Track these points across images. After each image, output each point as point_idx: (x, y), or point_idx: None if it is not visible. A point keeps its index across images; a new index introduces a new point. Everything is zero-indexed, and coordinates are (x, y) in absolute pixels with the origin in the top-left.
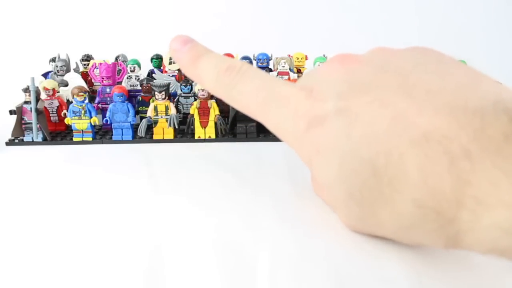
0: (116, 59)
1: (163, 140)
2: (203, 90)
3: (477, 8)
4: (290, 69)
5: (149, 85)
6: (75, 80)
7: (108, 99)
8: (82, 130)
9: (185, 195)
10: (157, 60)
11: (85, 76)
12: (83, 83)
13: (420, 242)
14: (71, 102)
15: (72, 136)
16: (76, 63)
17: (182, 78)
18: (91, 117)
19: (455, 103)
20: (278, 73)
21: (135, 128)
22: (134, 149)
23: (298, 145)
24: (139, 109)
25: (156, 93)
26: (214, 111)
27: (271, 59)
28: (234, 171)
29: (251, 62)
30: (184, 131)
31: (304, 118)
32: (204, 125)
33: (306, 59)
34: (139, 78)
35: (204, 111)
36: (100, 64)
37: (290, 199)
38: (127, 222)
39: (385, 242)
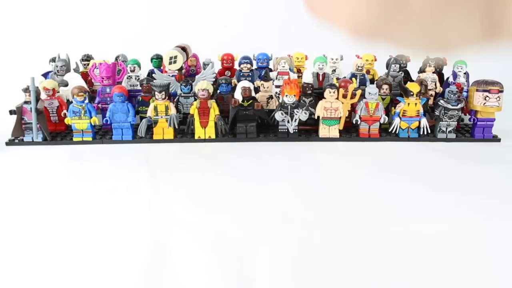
0: (116, 59)
1: (163, 140)
2: (203, 90)
3: None
4: (290, 69)
5: (149, 85)
6: (75, 80)
7: (108, 99)
8: (82, 130)
9: (185, 194)
10: (157, 60)
11: (85, 76)
12: (83, 83)
13: (452, 32)
14: (71, 102)
15: (72, 136)
16: (76, 63)
17: (182, 78)
18: (91, 117)
19: None
20: (278, 73)
21: (135, 128)
22: (134, 149)
23: None
24: (139, 109)
25: (156, 93)
26: (214, 111)
27: (271, 59)
28: (234, 171)
29: (251, 62)
30: (184, 131)
31: None
32: (204, 125)
33: (306, 59)
34: (139, 78)
35: (204, 111)
36: (100, 64)
37: (290, 199)
38: (127, 221)
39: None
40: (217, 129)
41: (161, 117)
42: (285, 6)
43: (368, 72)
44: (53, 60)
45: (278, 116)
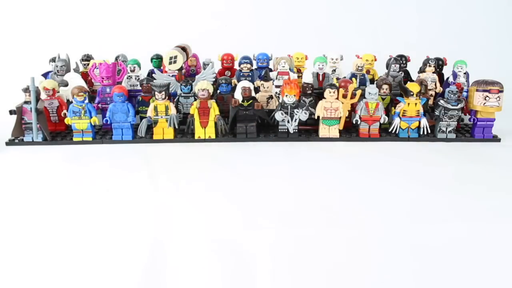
0: (116, 59)
1: (163, 140)
2: (203, 90)
3: (477, 8)
4: (290, 69)
5: (149, 85)
6: (75, 80)
7: (108, 99)
8: (82, 130)
9: (185, 194)
10: (157, 60)
11: (85, 76)
12: (83, 83)
13: None
14: (71, 102)
15: (72, 136)
16: (76, 63)
17: (182, 78)
18: (91, 117)
19: None
20: (278, 73)
21: (135, 128)
22: (134, 149)
23: None
24: (139, 109)
25: (156, 93)
26: (214, 111)
27: (271, 59)
28: (234, 171)
29: (251, 62)
30: (184, 131)
31: None
32: (204, 125)
33: (306, 59)
34: (139, 78)
35: (204, 111)
36: (100, 64)
37: (290, 198)
38: (127, 221)
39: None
40: (217, 129)
41: (161, 117)
42: (285, 6)
43: (368, 72)
44: (53, 60)
45: (278, 116)
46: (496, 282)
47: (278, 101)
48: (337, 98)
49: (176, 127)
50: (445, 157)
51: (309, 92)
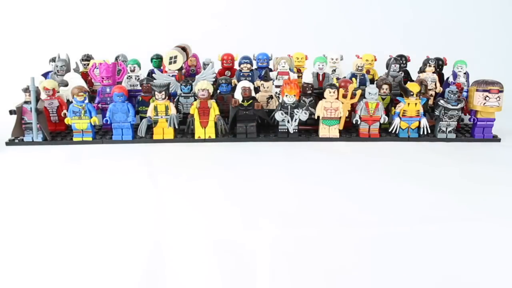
0: (116, 59)
1: (163, 140)
2: (203, 90)
3: (477, 8)
4: (290, 69)
5: (149, 85)
6: (75, 80)
7: (108, 99)
8: (82, 130)
9: (185, 195)
10: (157, 60)
11: (85, 76)
12: (83, 83)
13: None
14: (71, 102)
15: (72, 136)
16: (76, 63)
17: (182, 78)
18: (91, 117)
19: None
20: (278, 73)
21: (135, 128)
22: (134, 149)
23: None
24: (139, 109)
25: (156, 93)
26: (214, 111)
27: (271, 59)
28: (234, 171)
29: (251, 62)
30: (184, 131)
31: None
32: (204, 125)
33: (306, 59)
34: (139, 78)
35: (204, 111)
36: (100, 64)
37: (290, 199)
38: (127, 221)
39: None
40: (217, 129)
41: (161, 117)
42: (285, 6)
43: (368, 72)
44: (53, 60)
45: (278, 116)
46: (496, 281)
47: (278, 101)
48: (337, 98)
49: (176, 127)
50: (445, 157)
51: (309, 92)
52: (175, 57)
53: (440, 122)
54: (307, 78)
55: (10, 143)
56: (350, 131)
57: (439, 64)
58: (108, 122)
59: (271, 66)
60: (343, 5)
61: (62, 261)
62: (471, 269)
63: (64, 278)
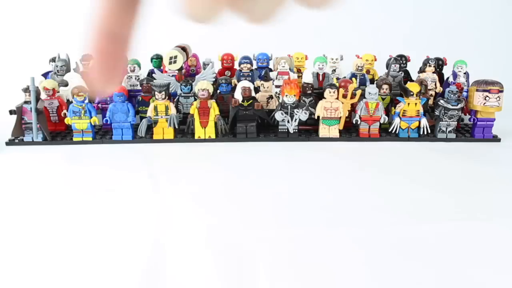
0: None
1: (163, 140)
2: (203, 90)
3: (477, 8)
4: (290, 69)
5: (149, 85)
6: (75, 80)
7: (108, 99)
8: (82, 130)
9: (185, 194)
10: (157, 60)
11: None
12: (83, 83)
13: None
14: (71, 102)
15: (72, 136)
16: (76, 63)
17: (182, 78)
18: (91, 117)
19: None
20: (278, 73)
21: (135, 128)
22: (134, 149)
23: None
24: (139, 109)
25: (156, 93)
26: (214, 111)
27: (271, 59)
28: (234, 171)
29: (251, 62)
30: (184, 131)
31: None
32: (204, 125)
33: (306, 59)
34: (139, 78)
35: (204, 111)
36: None
37: (290, 198)
38: (127, 221)
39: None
40: (217, 129)
41: (161, 117)
42: (285, 6)
43: (368, 72)
44: (53, 60)
45: (278, 116)
46: (496, 281)
47: (278, 101)
48: (337, 98)
49: (176, 127)
50: (445, 157)
51: (309, 92)
52: (175, 57)
53: (440, 122)
54: (307, 78)
55: (10, 143)
56: (350, 131)
57: (439, 64)
58: (108, 122)
59: (271, 66)
60: (343, 5)
61: (62, 261)
62: (471, 268)
63: (64, 278)
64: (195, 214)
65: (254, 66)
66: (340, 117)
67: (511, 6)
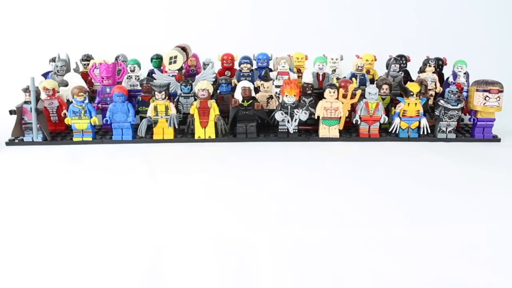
0: (116, 59)
1: (163, 140)
2: (203, 90)
3: (477, 8)
4: (290, 69)
5: (149, 85)
6: (75, 80)
7: (108, 99)
8: (82, 130)
9: (185, 195)
10: (157, 60)
11: (85, 76)
12: (83, 83)
13: None
14: (71, 102)
15: (72, 136)
16: (76, 63)
17: (182, 78)
18: (91, 117)
19: None
20: (278, 73)
21: (135, 128)
22: (134, 149)
23: None
24: (139, 109)
25: (156, 93)
26: (214, 111)
27: (271, 59)
28: (234, 171)
29: (251, 62)
30: (184, 131)
31: None
32: (204, 125)
33: (306, 59)
34: (139, 78)
35: (204, 111)
36: (100, 64)
37: (290, 199)
38: (127, 221)
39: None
40: (217, 129)
41: (161, 117)
42: (285, 6)
43: (368, 72)
44: (53, 60)
45: (278, 116)
46: (496, 281)
47: (278, 101)
48: (337, 98)
49: (176, 127)
50: (445, 157)
51: (309, 92)
52: (175, 57)
53: (440, 122)
54: (307, 78)
55: (10, 143)
56: (350, 131)
57: (439, 64)
58: (108, 122)
59: (271, 66)
60: (343, 5)
61: (62, 261)
62: (471, 269)
63: (64, 277)
64: (195, 214)
65: (254, 66)
66: (340, 117)
67: (511, 6)
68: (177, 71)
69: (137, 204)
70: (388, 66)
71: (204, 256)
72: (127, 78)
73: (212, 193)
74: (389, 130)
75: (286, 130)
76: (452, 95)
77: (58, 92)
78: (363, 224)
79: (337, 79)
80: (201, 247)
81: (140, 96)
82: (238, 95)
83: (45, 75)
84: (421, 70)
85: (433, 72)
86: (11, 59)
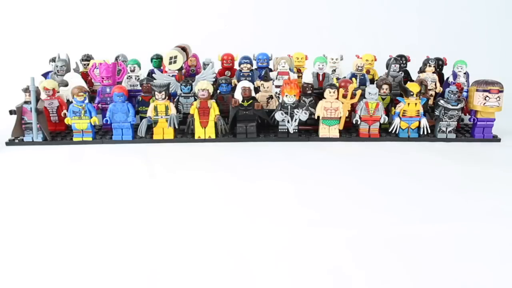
0: (116, 59)
1: (163, 140)
2: (203, 90)
3: (477, 8)
4: (290, 69)
5: (149, 85)
6: (75, 80)
7: (108, 99)
8: (82, 130)
9: (185, 195)
10: (157, 60)
11: (85, 76)
12: (83, 83)
13: None
14: (71, 102)
15: (72, 136)
16: (76, 63)
17: (182, 78)
18: (91, 117)
19: None
20: (278, 73)
21: (135, 128)
22: (134, 149)
23: None
24: (139, 109)
25: (156, 93)
26: (214, 111)
27: (271, 59)
28: (234, 171)
29: (251, 62)
30: (184, 131)
31: None
32: (204, 125)
33: (306, 59)
34: (139, 78)
35: (204, 111)
36: (100, 64)
37: (290, 199)
38: (127, 221)
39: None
40: (217, 129)
41: (161, 117)
42: (286, 6)
43: (368, 72)
44: (53, 60)
45: (278, 116)
46: (496, 281)
47: (278, 101)
48: (337, 98)
49: (176, 127)
50: (445, 157)
51: (309, 92)
52: (175, 57)
53: (440, 122)
54: (307, 78)
55: (10, 143)
56: (350, 131)
57: (439, 64)
58: (108, 122)
59: (271, 66)
60: (343, 5)
61: (62, 261)
62: (471, 269)
63: (64, 277)
64: (195, 214)
65: (254, 66)
66: (340, 117)
67: (510, 6)
68: (177, 71)
69: (137, 204)
70: (388, 66)
71: (204, 255)
72: (127, 78)
73: (212, 193)
74: (389, 130)
75: (286, 130)
76: (452, 95)
77: (58, 92)
78: (363, 224)
79: (337, 79)
80: (201, 247)
81: (140, 96)
82: (238, 95)
83: (45, 75)
84: (421, 70)
85: (433, 72)
86: (11, 59)
